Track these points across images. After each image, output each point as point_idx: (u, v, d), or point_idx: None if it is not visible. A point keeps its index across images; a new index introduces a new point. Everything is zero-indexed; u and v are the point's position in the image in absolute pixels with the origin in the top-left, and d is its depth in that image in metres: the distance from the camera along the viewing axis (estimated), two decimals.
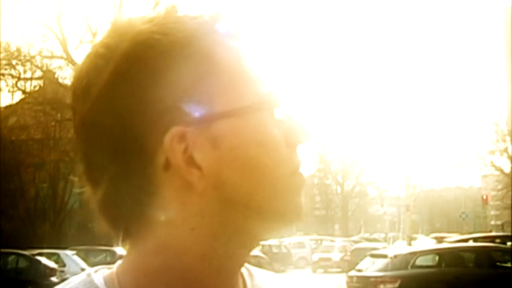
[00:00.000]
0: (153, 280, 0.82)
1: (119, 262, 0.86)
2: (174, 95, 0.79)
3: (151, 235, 0.82)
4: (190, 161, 0.79)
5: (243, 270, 0.92)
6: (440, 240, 29.11)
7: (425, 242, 34.19)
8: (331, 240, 44.35)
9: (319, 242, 43.46)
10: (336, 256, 36.29)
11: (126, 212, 0.82)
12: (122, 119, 0.79)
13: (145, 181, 0.80)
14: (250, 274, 0.93)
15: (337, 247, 38.50)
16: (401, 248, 26.16)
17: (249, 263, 0.93)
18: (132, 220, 0.83)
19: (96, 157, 0.82)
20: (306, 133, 0.85)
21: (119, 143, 0.80)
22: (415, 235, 45.31)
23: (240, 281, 0.90)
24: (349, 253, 34.19)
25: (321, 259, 36.85)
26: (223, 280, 0.84)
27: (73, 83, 0.85)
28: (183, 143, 0.79)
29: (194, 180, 0.80)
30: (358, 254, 27.10)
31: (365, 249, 29.04)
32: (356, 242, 48.02)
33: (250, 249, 0.86)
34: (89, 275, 0.85)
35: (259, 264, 1.01)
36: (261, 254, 24.41)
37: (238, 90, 0.81)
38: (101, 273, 0.86)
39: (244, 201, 0.81)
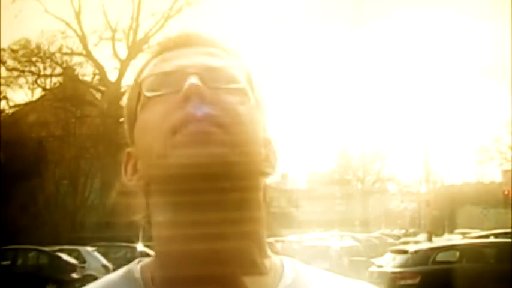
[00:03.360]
0: (162, 266, 0.92)
1: None
2: None
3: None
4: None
5: (288, 263, 0.96)
6: (465, 236, 29.06)
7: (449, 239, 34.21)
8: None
9: (340, 237, 43.14)
10: None
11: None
12: None
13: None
14: (295, 269, 0.96)
15: None
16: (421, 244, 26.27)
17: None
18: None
19: None
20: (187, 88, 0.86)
21: None
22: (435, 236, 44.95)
23: (274, 273, 0.94)
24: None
25: None
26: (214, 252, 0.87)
27: None
28: (132, 159, 0.95)
29: (135, 183, 0.94)
30: None
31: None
32: (377, 238, 47.94)
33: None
34: (133, 263, 0.97)
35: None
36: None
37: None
38: (140, 263, 0.97)
39: (153, 178, 0.89)
